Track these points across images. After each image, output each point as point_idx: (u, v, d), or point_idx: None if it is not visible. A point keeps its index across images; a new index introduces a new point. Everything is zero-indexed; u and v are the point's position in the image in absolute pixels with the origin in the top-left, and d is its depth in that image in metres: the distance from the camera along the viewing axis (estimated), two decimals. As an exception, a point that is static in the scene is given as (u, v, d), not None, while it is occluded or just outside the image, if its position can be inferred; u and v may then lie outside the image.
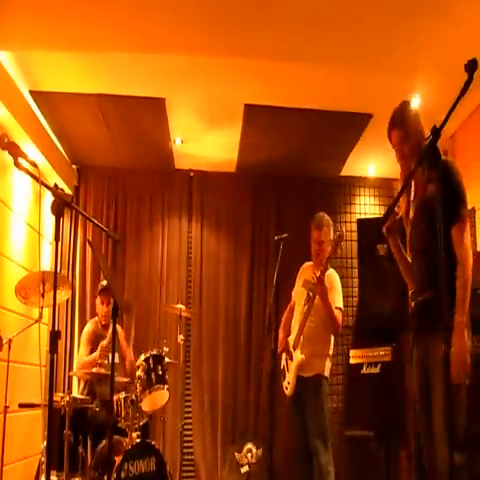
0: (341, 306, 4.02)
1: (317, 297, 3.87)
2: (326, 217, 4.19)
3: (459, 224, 2.40)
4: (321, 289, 3.84)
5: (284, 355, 4.15)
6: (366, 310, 5.39)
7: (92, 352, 4.77)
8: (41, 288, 3.74)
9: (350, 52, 4.01)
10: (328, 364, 3.97)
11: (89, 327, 4.99)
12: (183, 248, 6.13)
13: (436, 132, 2.03)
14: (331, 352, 4.02)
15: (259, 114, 4.97)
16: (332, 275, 4.09)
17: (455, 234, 2.39)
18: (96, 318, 5.05)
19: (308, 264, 4.27)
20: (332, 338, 4.02)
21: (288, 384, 4.00)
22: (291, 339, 4.06)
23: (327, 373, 3.96)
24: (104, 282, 4.99)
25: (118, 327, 5.15)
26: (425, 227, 2.46)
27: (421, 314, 2.47)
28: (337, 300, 4.00)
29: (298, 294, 4.20)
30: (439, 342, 2.05)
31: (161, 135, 5.40)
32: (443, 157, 2.37)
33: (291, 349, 4.02)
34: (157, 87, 4.67)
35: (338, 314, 3.95)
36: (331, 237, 4.08)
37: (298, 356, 3.92)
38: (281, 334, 4.24)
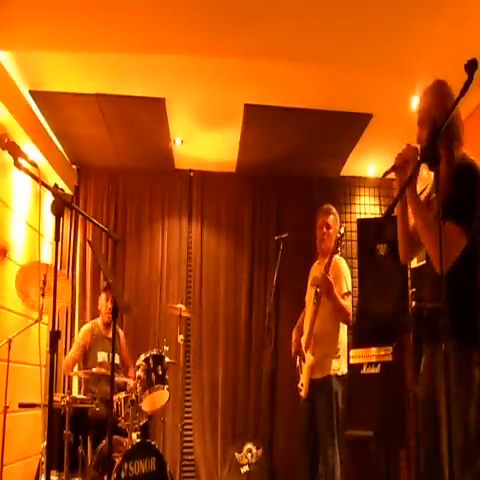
0: (350, 290, 4.01)
1: (323, 294, 3.87)
2: (334, 208, 4.25)
3: (451, 222, 2.15)
4: (325, 285, 3.83)
5: (298, 356, 4.14)
6: (366, 310, 5.38)
7: (90, 354, 4.81)
8: (41, 283, 3.73)
9: (350, 52, 4.01)
10: (337, 362, 3.93)
11: (85, 330, 4.95)
12: (183, 248, 6.13)
13: (436, 132, 2.03)
14: (341, 347, 3.99)
15: (259, 114, 4.97)
16: (337, 262, 4.04)
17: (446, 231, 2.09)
18: (96, 320, 5.05)
19: (316, 263, 4.28)
20: (341, 334, 4.00)
21: (301, 386, 4.00)
22: (303, 340, 4.06)
23: (338, 371, 3.92)
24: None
25: (120, 332, 5.16)
26: None
27: (432, 322, 2.35)
28: (344, 286, 3.98)
29: (308, 294, 4.20)
30: (449, 352, 2.03)
31: (161, 135, 5.40)
32: (464, 159, 2.29)
33: (303, 350, 4.01)
34: (157, 87, 4.67)
35: (347, 300, 3.94)
36: (337, 227, 4.10)
37: (309, 358, 3.92)
38: (294, 336, 4.23)
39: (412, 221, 2.51)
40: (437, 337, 2.20)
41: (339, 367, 3.94)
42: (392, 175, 2.46)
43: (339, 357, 3.96)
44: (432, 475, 2.24)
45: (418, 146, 2.41)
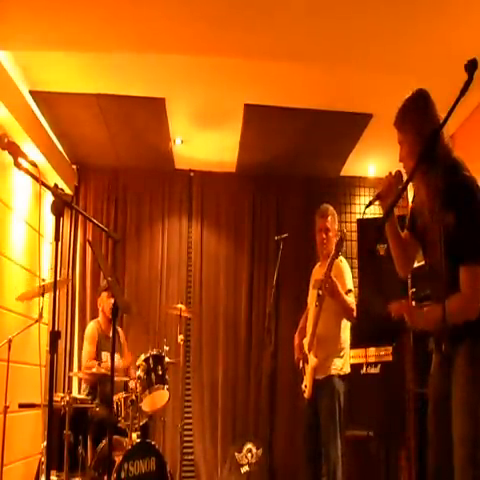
0: (351, 287, 4.02)
1: (328, 295, 3.87)
2: (331, 207, 4.21)
3: (471, 265, 2.13)
4: (330, 287, 3.83)
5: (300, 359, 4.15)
6: (366, 310, 5.37)
7: (96, 352, 4.80)
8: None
9: (350, 52, 4.01)
10: (340, 362, 3.93)
11: (93, 327, 4.97)
12: (183, 248, 6.13)
13: (435, 133, 2.02)
14: (344, 346, 3.99)
15: (259, 114, 4.97)
16: (338, 263, 4.01)
17: (463, 275, 2.13)
18: (98, 319, 5.05)
19: (317, 266, 4.27)
20: (343, 334, 4.00)
21: (305, 387, 4.00)
22: (305, 342, 4.06)
23: (341, 371, 3.92)
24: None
25: (119, 330, 5.16)
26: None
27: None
28: (347, 284, 3.99)
29: (310, 297, 4.20)
30: (463, 357, 2.05)
31: (161, 135, 5.40)
32: (455, 172, 2.18)
33: (306, 351, 4.02)
34: (157, 87, 4.67)
35: (350, 298, 3.95)
36: (336, 227, 4.09)
37: (312, 359, 3.92)
38: (296, 340, 4.22)
39: (403, 234, 2.52)
40: (450, 338, 2.17)
41: (342, 366, 3.94)
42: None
43: (342, 356, 3.97)
44: (441, 475, 2.24)
45: (402, 167, 2.41)
